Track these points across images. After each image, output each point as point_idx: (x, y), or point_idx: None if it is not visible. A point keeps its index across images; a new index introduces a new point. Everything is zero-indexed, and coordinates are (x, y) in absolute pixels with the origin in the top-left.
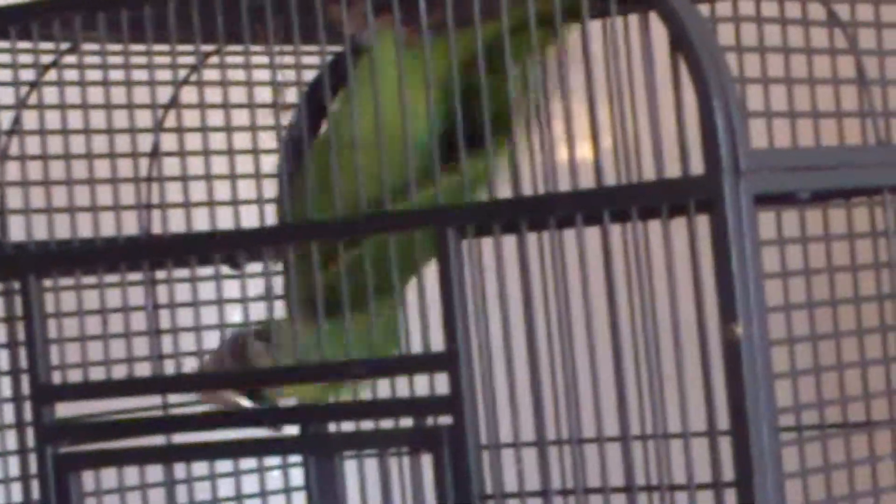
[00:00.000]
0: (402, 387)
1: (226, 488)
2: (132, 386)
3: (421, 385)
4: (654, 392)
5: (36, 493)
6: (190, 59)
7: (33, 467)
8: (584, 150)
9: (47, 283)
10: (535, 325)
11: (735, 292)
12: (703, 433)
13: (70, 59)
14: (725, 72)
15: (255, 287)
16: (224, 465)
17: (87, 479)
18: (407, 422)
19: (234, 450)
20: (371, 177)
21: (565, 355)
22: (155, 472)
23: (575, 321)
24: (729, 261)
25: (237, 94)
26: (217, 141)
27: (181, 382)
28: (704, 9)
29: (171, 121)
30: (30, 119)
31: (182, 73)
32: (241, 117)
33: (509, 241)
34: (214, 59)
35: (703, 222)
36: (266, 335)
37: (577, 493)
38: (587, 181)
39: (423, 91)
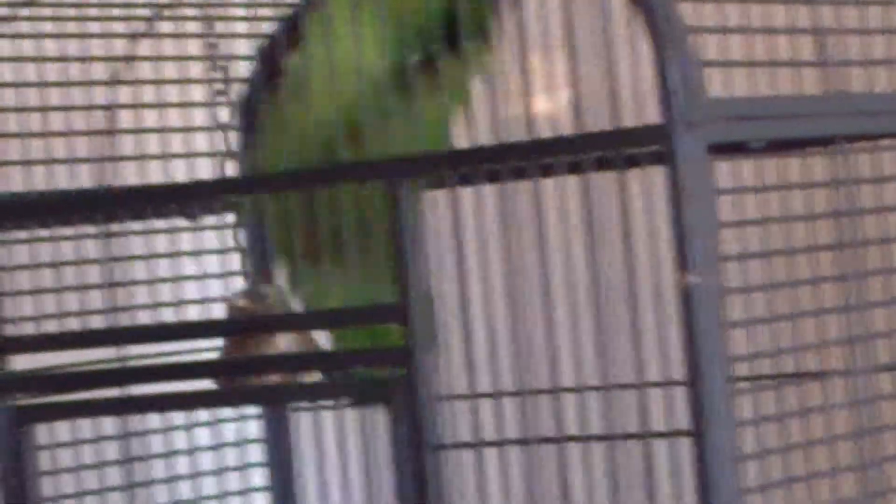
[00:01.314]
0: None
1: (180, 442)
2: (87, 338)
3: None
4: (610, 342)
5: None
6: (146, 12)
7: None
8: (542, 103)
9: (1, 235)
10: (491, 277)
11: (688, 241)
12: (658, 383)
13: (25, 12)
14: (680, 22)
15: (210, 240)
16: (178, 418)
17: (42, 433)
18: None
19: (189, 401)
20: (332, 122)
21: (521, 307)
22: (109, 425)
23: (531, 272)
24: (682, 210)
25: (193, 47)
26: (172, 94)
27: (136, 334)
28: None
29: (126, 74)
30: None
31: (138, 26)
32: (197, 70)
33: (467, 194)
34: (170, 12)
35: (658, 173)
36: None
37: (532, 443)
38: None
39: (376, 27)
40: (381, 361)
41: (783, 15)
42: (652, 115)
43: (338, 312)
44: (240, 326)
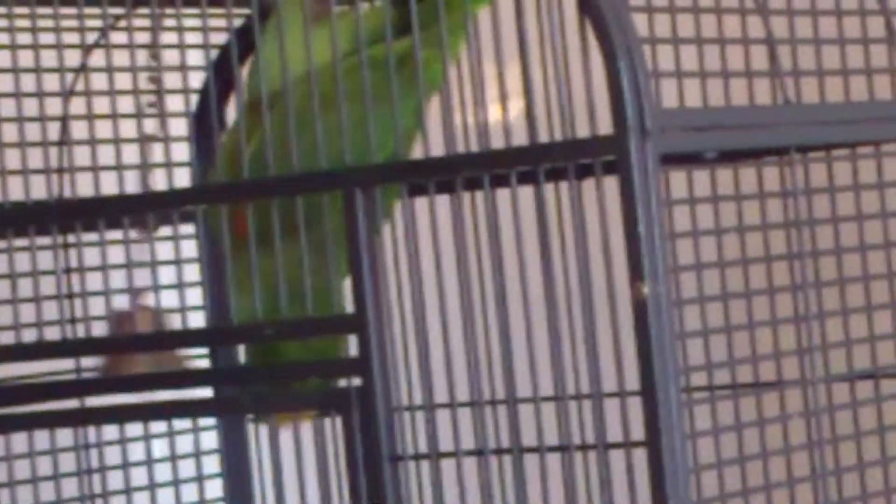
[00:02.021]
0: None
1: (137, 453)
2: (42, 349)
3: None
4: (566, 353)
5: None
6: (98, 23)
7: None
8: (495, 112)
9: None
10: (446, 287)
11: (642, 252)
12: (613, 393)
13: None
14: (632, 32)
15: (165, 251)
16: (134, 430)
17: None
18: None
19: (145, 412)
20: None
21: (475, 317)
22: (64, 437)
23: (486, 283)
24: (636, 220)
25: (145, 58)
26: (125, 105)
27: (91, 346)
28: None
29: (79, 85)
30: None
31: (90, 37)
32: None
33: (421, 202)
34: (122, 23)
35: (612, 183)
36: None
37: (486, 454)
38: (498, 143)
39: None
40: (338, 372)
41: (736, 25)
42: (604, 123)
43: (293, 323)
44: (188, 338)
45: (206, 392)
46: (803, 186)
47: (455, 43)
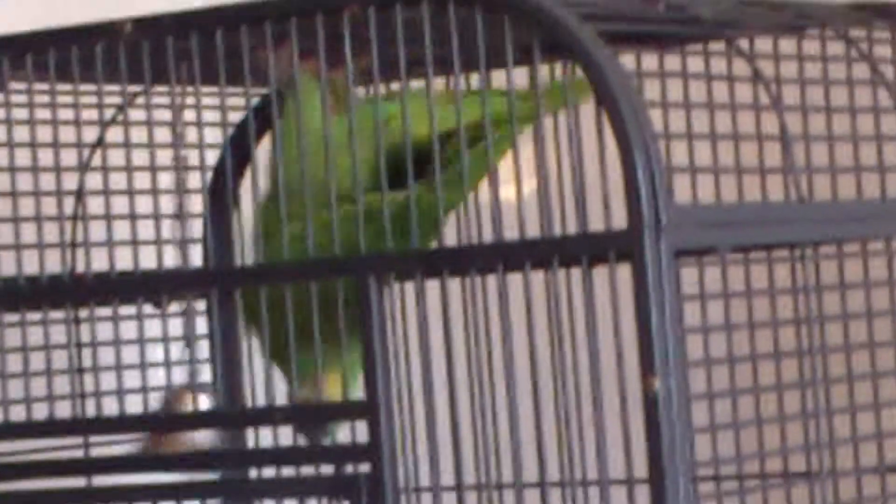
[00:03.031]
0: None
1: None
2: (53, 427)
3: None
4: (574, 439)
5: None
6: (116, 100)
7: None
8: (509, 193)
9: None
10: (456, 373)
11: (654, 346)
12: (621, 480)
13: None
14: (648, 127)
15: (177, 326)
16: None
17: None
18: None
19: (153, 493)
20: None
21: (485, 402)
22: None
23: (496, 368)
24: (648, 315)
25: (162, 134)
26: (142, 180)
27: (102, 425)
28: (630, 61)
29: (96, 160)
30: None
31: (108, 112)
32: (166, 157)
33: (432, 286)
34: (141, 100)
35: (625, 270)
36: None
37: None
38: (511, 223)
39: (348, 143)
40: (348, 458)
41: (750, 121)
42: (618, 208)
43: (304, 408)
44: (198, 420)
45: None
46: (814, 282)
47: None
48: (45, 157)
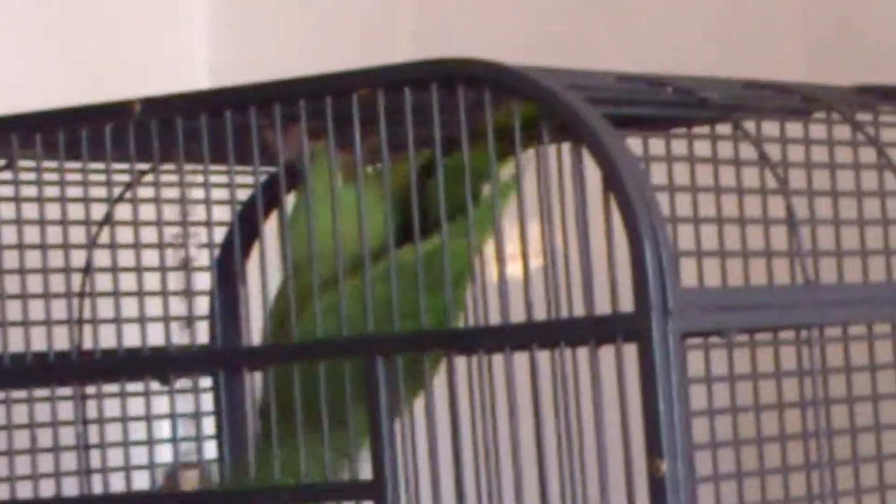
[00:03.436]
0: None
1: None
2: None
3: None
4: None
5: None
6: (125, 177)
7: None
8: (515, 270)
9: None
10: (462, 453)
11: (661, 430)
12: None
13: (5, 175)
14: (656, 212)
15: (185, 403)
16: None
17: None
18: None
19: None
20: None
21: (491, 483)
22: None
23: (502, 449)
24: (655, 398)
25: (170, 212)
26: (149, 258)
27: (109, 501)
28: (637, 145)
29: (104, 237)
30: None
31: (116, 190)
32: (173, 235)
33: None
34: (149, 178)
35: (631, 350)
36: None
37: None
38: (517, 302)
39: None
40: None
41: (756, 204)
42: (625, 287)
43: (312, 487)
44: (205, 499)
45: None
46: (819, 365)
47: (482, 231)
48: (54, 234)
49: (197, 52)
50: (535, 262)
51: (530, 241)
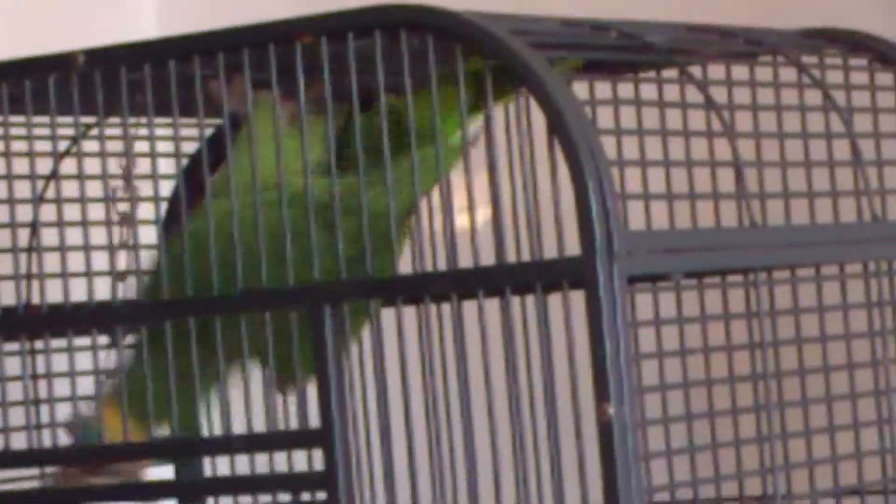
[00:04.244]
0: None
1: None
2: (8, 458)
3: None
4: (530, 467)
5: None
6: (70, 131)
7: None
8: (462, 221)
9: None
10: (411, 401)
11: (608, 373)
12: None
13: None
14: (601, 155)
15: None
16: None
17: None
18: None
19: None
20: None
21: (441, 430)
22: None
23: (451, 395)
24: (602, 342)
25: (116, 166)
26: (96, 212)
27: (57, 455)
28: (583, 90)
29: (50, 192)
30: None
31: (62, 145)
32: (119, 189)
33: (387, 314)
34: (94, 132)
35: (579, 296)
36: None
37: None
38: (465, 251)
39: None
40: (303, 487)
41: (703, 147)
42: (571, 237)
43: (260, 436)
44: (147, 449)
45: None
46: (768, 307)
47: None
48: None
49: (145, 6)
50: (484, 211)
51: (477, 191)
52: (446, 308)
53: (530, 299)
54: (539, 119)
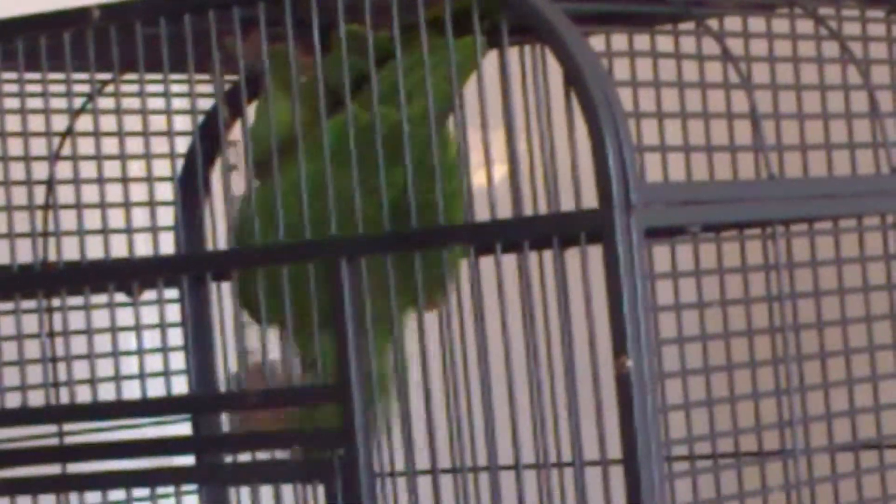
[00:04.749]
0: None
1: None
2: (26, 415)
3: None
4: (548, 421)
5: None
6: (85, 88)
7: None
8: (479, 177)
9: None
10: (429, 355)
11: (625, 326)
12: (595, 462)
13: None
14: (618, 107)
15: (149, 314)
16: (117, 495)
17: None
18: None
19: (128, 479)
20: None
21: (459, 385)
22: (47, 501)
23: (469, 351)
24: (620, 295)
25: (132, 123)
26: (111, 169)
27: (75, 412)
28: (599, 42)
29: (66, 149)
30: None
31: (77, 101)
32: (135, 146)
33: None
34: (110, 88)
35: (597, 251)
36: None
37: None
38: (482, 206)
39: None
40: (321, 443)
41: (720, 100)
42: (589, 192)
43: (277, 392)
44: (163, 406)
45: (187, 459)
46: (785, 260)
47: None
48: (15, 146)
49: None
50: (501, 166)
51: (494, 145)
52: (464, 262)
53: (548, 255)
54: (556, 71)
